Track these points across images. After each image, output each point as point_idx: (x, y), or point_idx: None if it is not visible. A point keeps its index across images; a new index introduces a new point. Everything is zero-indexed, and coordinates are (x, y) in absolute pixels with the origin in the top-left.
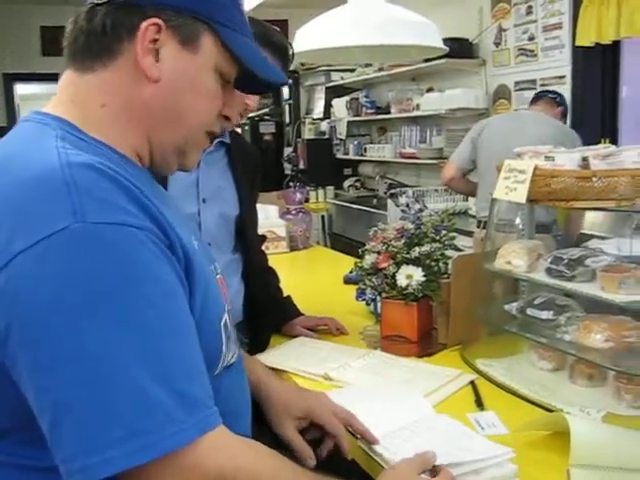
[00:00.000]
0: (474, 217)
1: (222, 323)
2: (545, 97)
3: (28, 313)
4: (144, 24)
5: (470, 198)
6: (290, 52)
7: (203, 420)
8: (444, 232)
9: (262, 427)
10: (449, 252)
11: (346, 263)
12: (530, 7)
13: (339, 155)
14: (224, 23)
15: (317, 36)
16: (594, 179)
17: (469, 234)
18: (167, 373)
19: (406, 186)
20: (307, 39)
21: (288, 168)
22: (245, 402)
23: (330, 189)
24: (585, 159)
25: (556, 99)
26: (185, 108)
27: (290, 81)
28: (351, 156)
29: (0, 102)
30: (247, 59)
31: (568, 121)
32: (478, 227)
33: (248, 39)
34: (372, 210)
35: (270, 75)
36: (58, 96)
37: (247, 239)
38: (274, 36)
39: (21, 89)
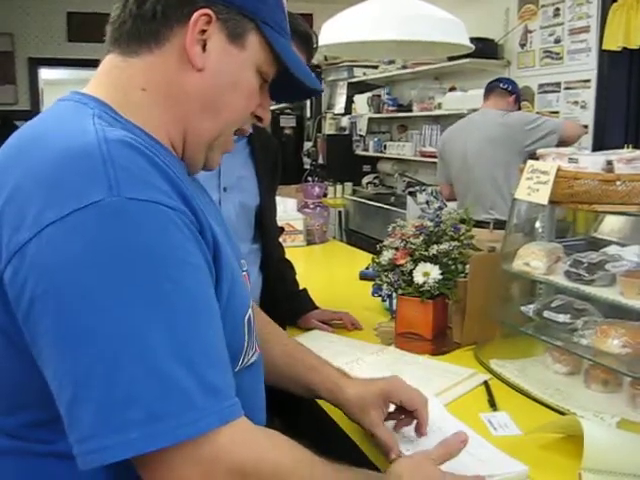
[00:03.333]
0: None
1: (246, 319)
2: (496, 89)
3: (54, 287)
4: (196, 13)
5: None
6: (314, 42)
7: (225, 409)
8: (463, 230)
9: (272, 416)
10: (467, 251)
11: (362, 259)
12: (557, 9)
13: (359, 151)
14: (269, 23)
15: (343, 29)
16: (618, 183)
17: None
18: (191, 358)
19: (425, 184)
20: (333, 32)
21: (307, 162)
22: (262, 399)
23: (348, 185)
24: (609, 162)
25: (507, 88)
26: (224, 102)
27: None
28: (371, 153)
29: (25, 86)
30: (289, 61)
31: (591, 125)
32: None
33: (288, 41)
34: (390, 208)
35: (308, 80)
36: (98, 78)
37: (266, 230)
38: (300, 25)
39: (45, 74)
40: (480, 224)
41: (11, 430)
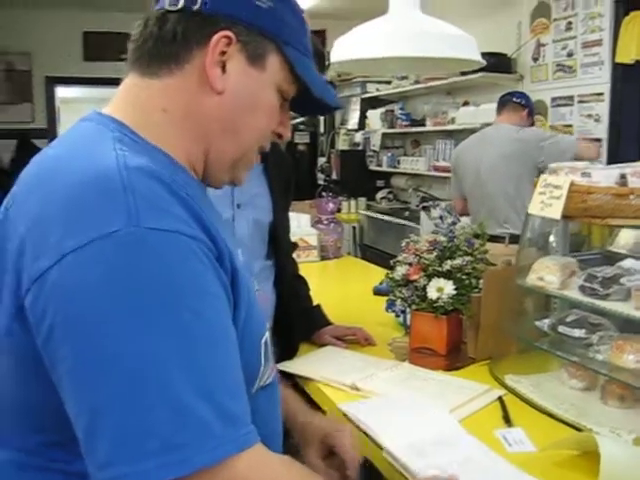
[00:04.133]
0: None
1: (263, 341)
2: (509, 103)
3: (73, 315)
4: (216, 36)
5: None
6: (326, 60)
7: (242, 437)
8: (477, 245)
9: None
10: (481, 266)
11: (376, 274)
12: (570, 23)
13: (372, 166)
14: (290, 42)
15: (355, 46)
16: (631, 197)
17: None
18: (208, 387)
19: (438, 199)
20: (345, 49)
21: (321, 178)
22: (278, 423)
23: (362, 200)
24: (623, 176)
25: (521, 102)
26: (245, 123)
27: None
28: (384, 168)
29: (41, 104)
30: (310, 81)
31: (605, 139)
32: None
33: (309, 60)
34: (404, 222)
35: (328, 98)
36: (117, 99)
37: (279, 246)
38: (312, 43)
39: (62, 92)
40: (495, 239)
41: (30, 448)
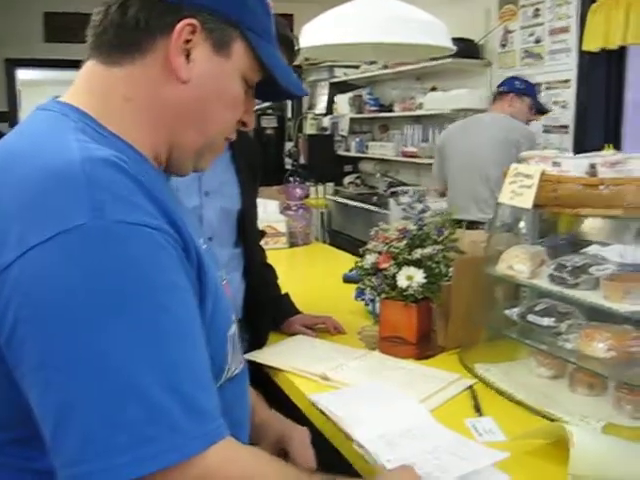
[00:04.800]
0: None
1: (230, 333)
2: (505, 95)
3: (39, 310)
4: (180, 24)
5: None
6: (295, 45)
7: (212, 431)
8: (446, 233)
9: None
10: (451, 254)
11: (345, 261)
12: (537, 10)
13: (340, 151)
14: (254, 29)
15: (325, 32)
16: (601, 187)
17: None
18: (177, 382)
19: (406, 185)
20: (315, 34)
21: (289, 163)
22: (245, 412)
23: (330, 185)
24: (593, 166)
25: (503, 90)
26: (210, 112)
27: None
28: (352, 153)
29: (1, 87)
30: (274, 68)
31: (571, 125)
32: None
33: (273, 47)
34: (372, 208)
35: (293, 86)
36: (78, 86)
37: (248, 234)
38: (280, 29)
39: (22, 75)
40: (475, 224)
41: None
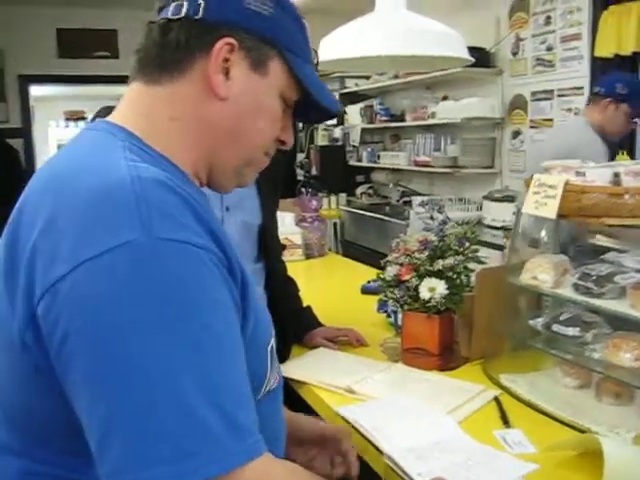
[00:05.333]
0: (489, 227)
1: (269, 348)
2: (595, 99)
3: (88, 325)
4: (219, 42)
5: (484, 207)
6: (315, 60)
7: (250, 447)
8: (467, 244)
9: None
10: (472, 265)
11: (362, 272)
12: (549, 17)
13: (352, 162)
14: (291, 49)
15: (345, 45)
16: (626, 196)
17: (486, 244)
18: (218, 398)
19: (419, 194)
20: (333, 48)
21: (300, 174)
22: (282, 426)
23: (342, 196)
24: (617, 175)
25: (599, 92)
26: (248, 129)
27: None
28: (364, 163)
29: (15, 103)
30: (312, 88)
31: None
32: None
33: (310, 66)
34: (385, 218)
35: (329, 105)
36: (124, 107)
37: (269, 248)
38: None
39: (36, 91)
40: None
41: (42, 457)
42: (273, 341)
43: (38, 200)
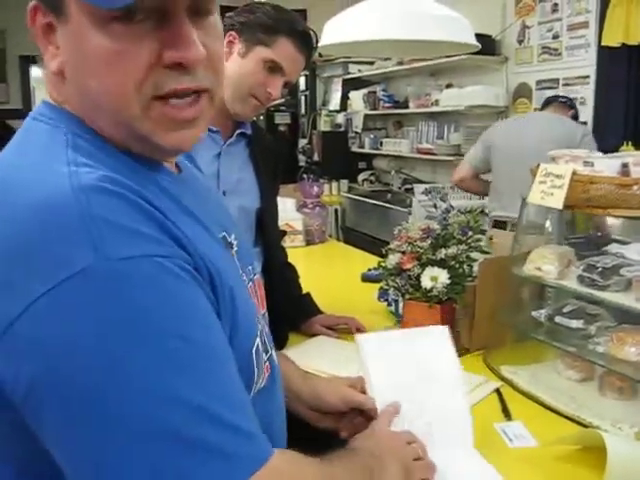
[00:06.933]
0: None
1: (254, 349)
2: (555, 102)
3: (54, 368)
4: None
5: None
6: (314, 41)
7: (258, 452)
8: (470, 233)
9: None
10: (475, 254)
11: (362, 259)
12: (556, 5)
13: (354, 148)
14: None
15: (348, 29)
16: (635, 187)
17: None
18: (218, 412)
19: (421, 182)
20: (336, 31)
21: (302, 160)
22: (281, 420)
23: (344, 182)
24: (625, 165)
25: (567, 103)
26: None
27: (307, 72)
28: (367, 150)
29: (16, 84)
30: None
31: (590, 122)
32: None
33: None
34: (386, 205)
35: None
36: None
37: (267, 233)
38: (299, 24)
39: (37, 72)
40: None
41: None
42: (258, 340)
43: None
